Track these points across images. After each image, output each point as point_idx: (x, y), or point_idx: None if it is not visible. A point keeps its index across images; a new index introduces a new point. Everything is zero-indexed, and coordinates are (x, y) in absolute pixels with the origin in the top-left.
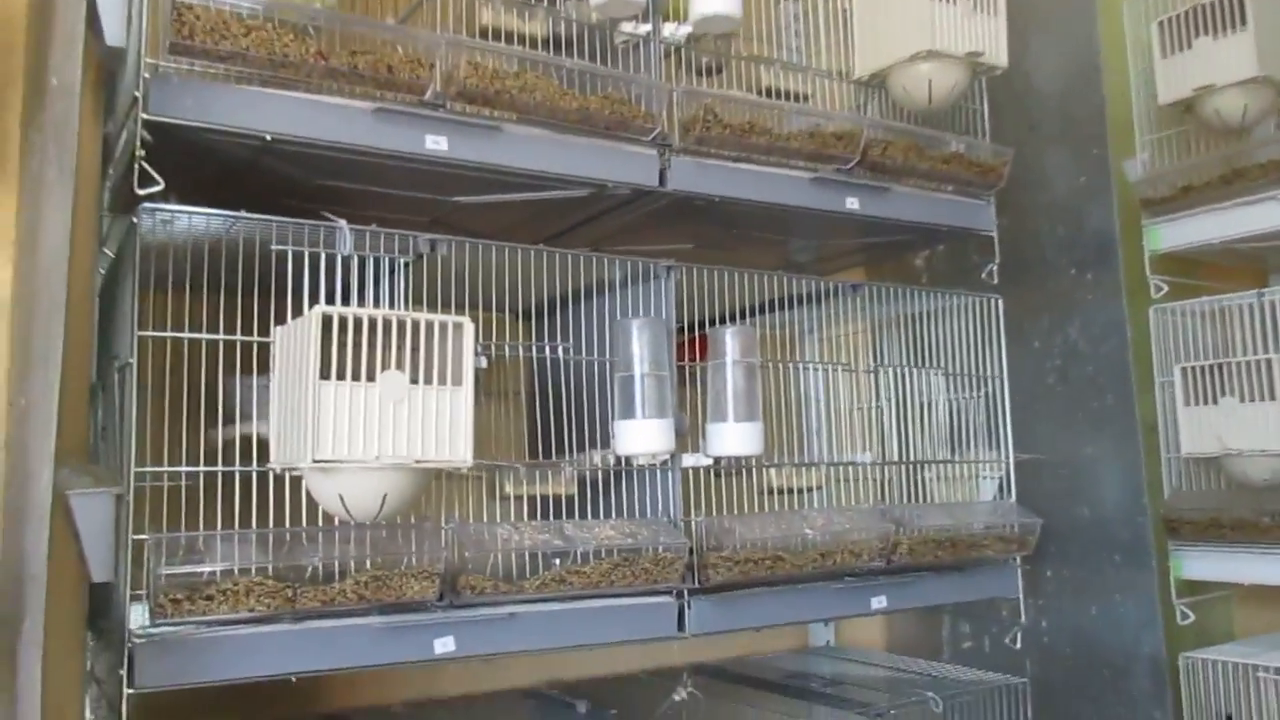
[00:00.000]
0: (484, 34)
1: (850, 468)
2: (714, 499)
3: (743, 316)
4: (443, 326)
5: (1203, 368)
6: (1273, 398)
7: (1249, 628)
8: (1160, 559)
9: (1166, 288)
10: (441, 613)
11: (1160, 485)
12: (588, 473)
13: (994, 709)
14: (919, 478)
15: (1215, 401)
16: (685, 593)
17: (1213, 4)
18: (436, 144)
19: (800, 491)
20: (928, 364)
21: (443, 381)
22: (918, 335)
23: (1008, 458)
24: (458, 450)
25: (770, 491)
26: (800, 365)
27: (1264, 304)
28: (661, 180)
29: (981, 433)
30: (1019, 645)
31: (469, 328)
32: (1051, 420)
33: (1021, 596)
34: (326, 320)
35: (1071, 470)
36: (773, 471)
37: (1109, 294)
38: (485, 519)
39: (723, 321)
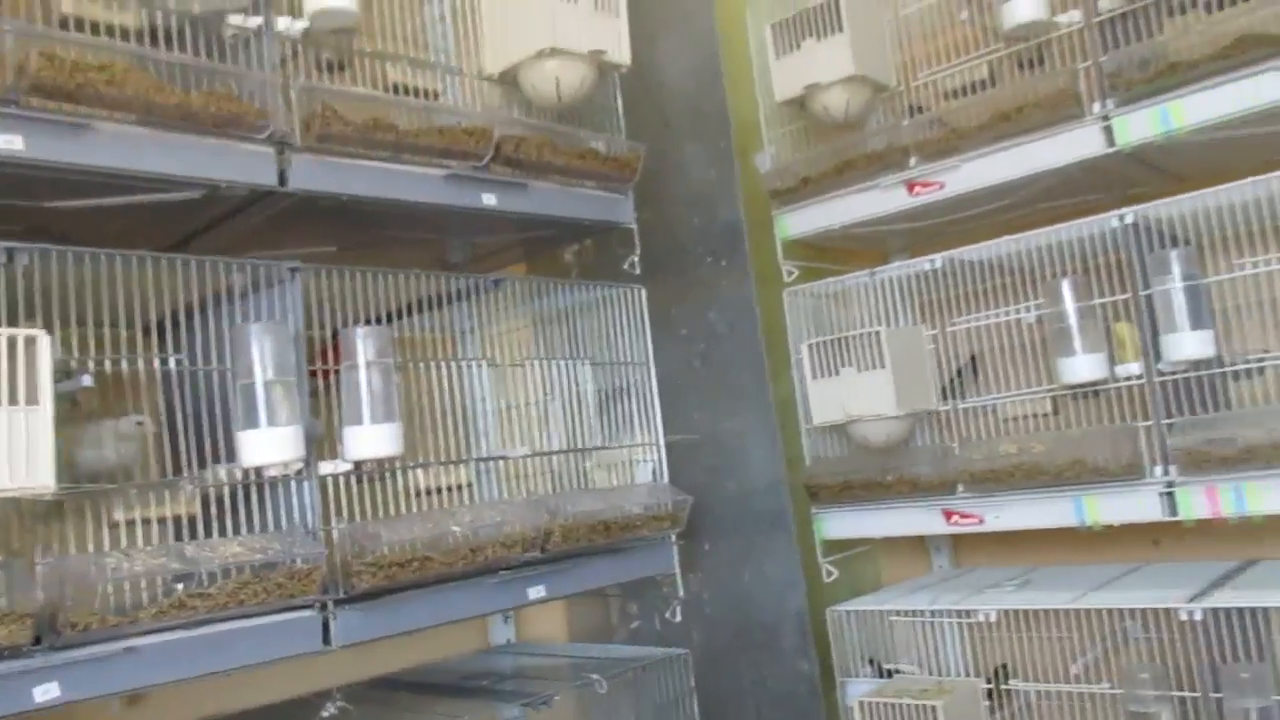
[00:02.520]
0: (65, 24)
1: (515, 462)
2: (360, 505)
3: (399, 317)
4: (11, 341)
5: (825, 342)
6: (883, 366)
7: (895, 578)
8: (803, 523)
9: (797, 271)
10: (41, 657)
11: (801, 455)
12: (214, 490)
13: (660, 682)
14: (579, 467)
15: (837, 373)
16: (330, 604)
17: (816, 9)
18: (10, 143)
19: (455, 490)
20: (584, 355)
21: (14, 401)
22: (575, 328)
23: (659, 440)
24: (36, 475)
25: (423, 493)
26: (444, 363)
27: (876, 283)
28: (282, 180)
29: (635, 418)
30: (679, 619)
31: (43, 341)
32: (699, 401)
33: (678, 571)
34: None
35: (719, 447)
36: (420, 472)
37: (741, 279)
38: (94, 549)
39: (380, 324)
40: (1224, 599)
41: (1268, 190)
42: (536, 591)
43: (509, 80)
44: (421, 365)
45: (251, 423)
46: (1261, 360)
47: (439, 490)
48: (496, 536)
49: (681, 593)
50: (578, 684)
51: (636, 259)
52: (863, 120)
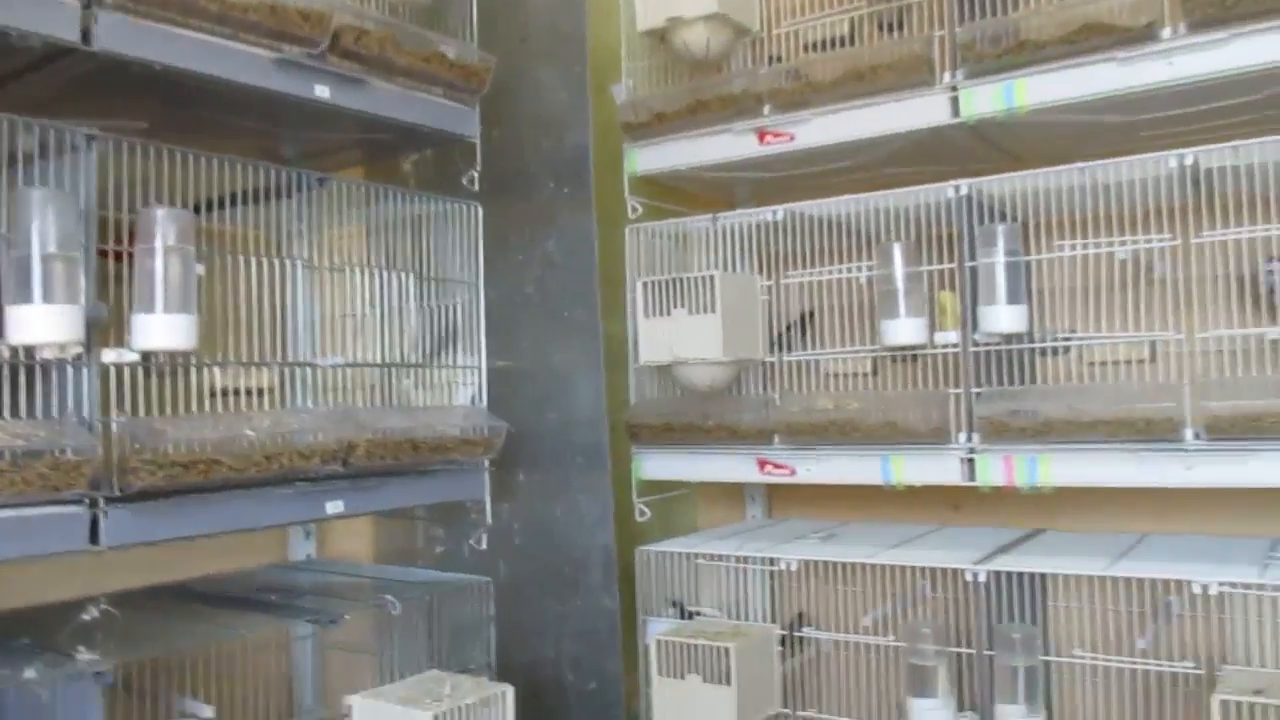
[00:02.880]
0: None
1: (330, 373)
2: (148, 399)
3: (216, 208)
4: None
5: (660, 282)
6: (714, 311)
7: (711, 524)
8: (620, 461)
9: (642, 209)
10: None
11: (629, 393)
12: None
13: (459, 608)
14: (397, 384)
15: (669, 314)
16: (100, 501)
17: None
18: None
19: (257, 394)
20: (412, 268)
21: None
22: (407, 240)
23: (481, 364)
24: None
25: (219, 393)
26: (256, 260)
27: (718, 228)
28: (85, 38)
29: (460, 339)
30: (484, 546)
31: None
32: (529, 330)
33: (488, 499)
34: None
35: (545, 377)
36: (219, 371)
37: (583, 210)
38: None
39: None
40: (1007, 563)
41: (1093, 178)
42: (335, 506)
43: None
44: (229, 258)
45: (24, 298)
46: (1068, 340)
47: (239, 392)
48: (295, 445)
49: (490, 520)
50: (371, 604)
51: (476, 175)
52: (723, 62)
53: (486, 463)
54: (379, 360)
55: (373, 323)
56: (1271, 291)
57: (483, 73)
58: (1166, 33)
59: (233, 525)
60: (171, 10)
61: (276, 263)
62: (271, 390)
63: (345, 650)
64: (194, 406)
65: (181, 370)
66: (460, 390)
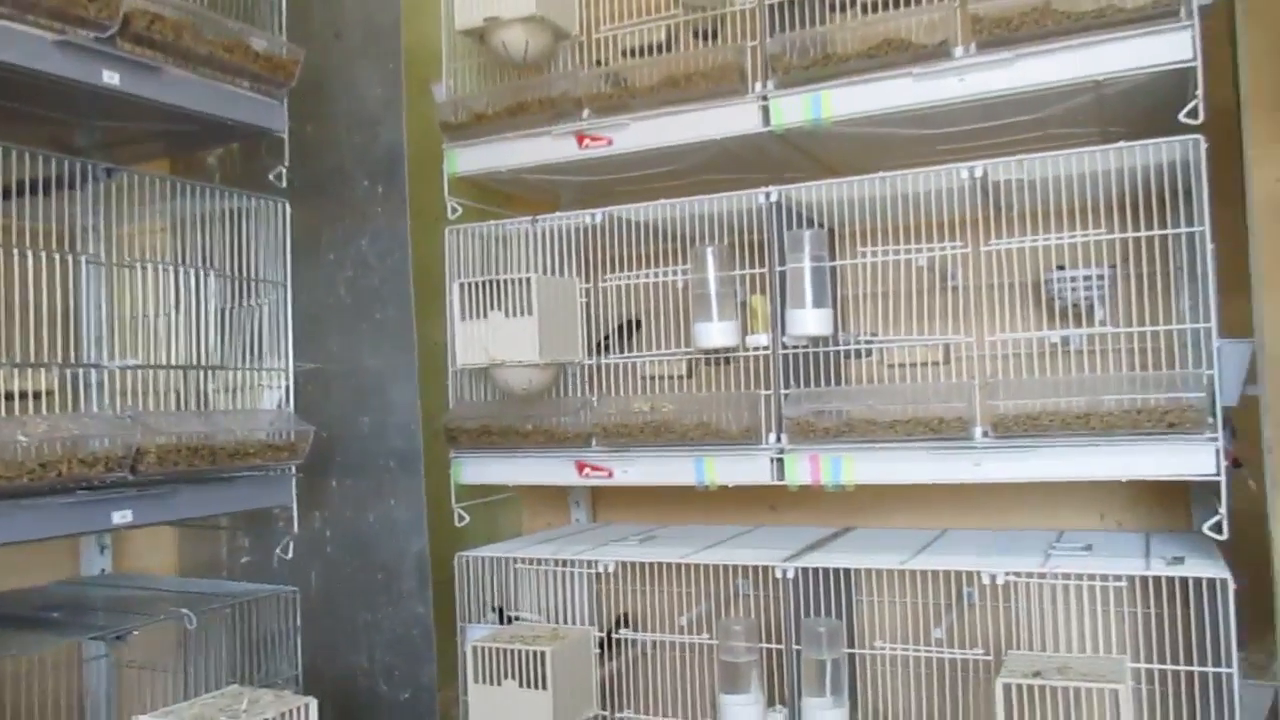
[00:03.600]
0: None
1: (126, 377)
2: None
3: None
4: None
5: (477, 284)
6: (530, 313)
7: (536, 529)
8: (439, 466)
9: (463, 209)
10: None
11: (447, 396)
12: None
13: (262, 619)
14: (200, 388)
15: (485, 316)
16: None
17: None
18: None
19: (36, 397)
20: (213, 266)
21: None
22: (210, 237)
23: (288, 366)
24: None
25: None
26: (30, 253)
27: (538, 230)
28: None
29: (267, 341)
30: (290, 555)
31: None
32: (341, 331)
33: (295, 506)
34: None
35: (357, 381)
36: None
37: (398, 209)
38: None
39: None
40: (814, 560)
41: (893, 188)
42: (123, 516)
43: None
44: (5, 253)
45: None
46: (870, 342)
47: (11, 396)
48: (75, 452)
49: (297, 528)
50: (164, 618)
51: (284, 170)
52: (542, 65)
53: (294, 468)
54: (176, 362)
55: (172, 323)
56: (1053, 299)
57: (290, 66)
58: (959, 51)
59: (2, 538)
60: None
61: (57, 258)
62: (53, 394)
63: (142, 668)
64: None
65: None
66: (267, 394)
